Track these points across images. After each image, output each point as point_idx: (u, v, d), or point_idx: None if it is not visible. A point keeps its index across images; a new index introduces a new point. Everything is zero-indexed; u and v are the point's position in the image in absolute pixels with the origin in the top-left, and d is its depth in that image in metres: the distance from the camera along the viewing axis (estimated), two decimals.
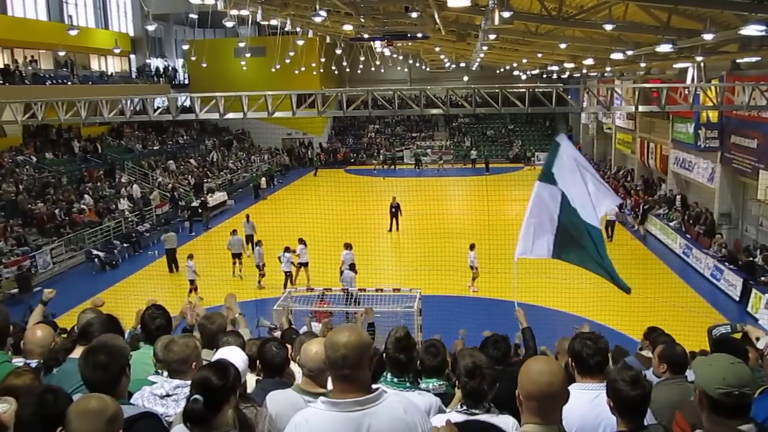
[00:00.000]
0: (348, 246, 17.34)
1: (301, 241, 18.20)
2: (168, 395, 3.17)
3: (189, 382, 3.21)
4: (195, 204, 28.54)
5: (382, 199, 26.15)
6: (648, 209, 24.77)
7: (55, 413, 2.41)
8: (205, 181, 33.85)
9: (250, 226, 21.85)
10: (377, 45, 32.56)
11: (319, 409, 2.50)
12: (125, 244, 23.56)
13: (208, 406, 2.59)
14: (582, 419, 3.01)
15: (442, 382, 4.25)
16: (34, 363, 3.80)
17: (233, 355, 3.37)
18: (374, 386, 2.54)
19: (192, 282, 17.49)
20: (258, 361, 4.11)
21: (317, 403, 2.52)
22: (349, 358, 2.43)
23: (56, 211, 23.66)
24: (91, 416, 2.28)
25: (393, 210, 25.11)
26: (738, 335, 4.95)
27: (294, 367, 4.26)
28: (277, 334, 7.86)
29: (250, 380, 3.81)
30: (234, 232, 20.08)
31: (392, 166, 43.25)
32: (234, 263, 19.52)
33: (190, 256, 17.89)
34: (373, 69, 44.00)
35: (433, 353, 4.36)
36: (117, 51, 32.68)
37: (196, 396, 2.59)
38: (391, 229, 24.96)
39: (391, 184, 33.88)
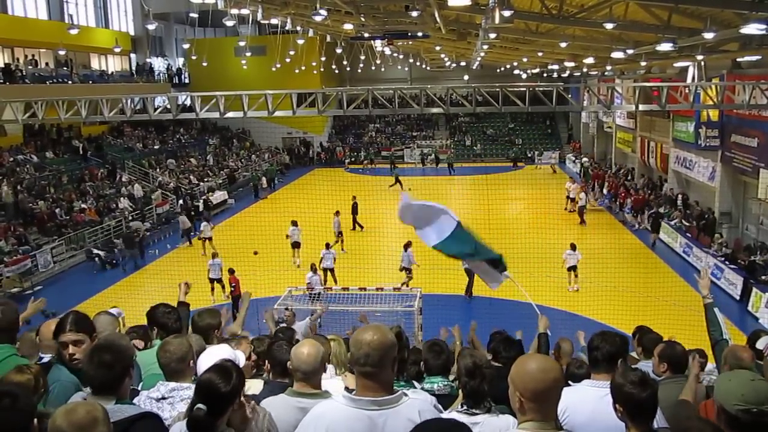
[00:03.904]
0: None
1: (328, 246, 17.94)
2: (164, 398, 3.15)
3: (185, 385, 3.20)
4: (198, 203, 28.59)
5: (381, 198, 26.11)
6: (658, 216, 23.21)
7: (12, 424, 2.17)
8: (206, 180, 33.89)
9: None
10: (377, 44, 32.51)
11: (339, 402, 2.55)
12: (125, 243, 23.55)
13: (212, 411, 2.58)
14: (591, 413, 3.04)
15: (446, 383, 4.21)
16: (47, 358, 3.72)
17: (220, 353, 3.33)
18: (396, 388, 2.57)
19: (218, 281, 17.01)
20: (267, 361, 4.02)
21: (338, 396, 2.58)
22: (371, 357, 2.47)
23: (57, 211, 23.69)
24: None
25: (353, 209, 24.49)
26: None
27: None
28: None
29: (258, 384, 3.78)
30: (294, 222, 20.50)
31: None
32: (293, 254, 20.09)
33: (215, 255, 17.61)
34: (373, 68, 43.97)
35: (437, 352, 4.32)
36: (117, 50, 32.67)
37: (200, 405, 2.57)
38: (354, 228, 24.33)
39: (387, 183, 33.85)
